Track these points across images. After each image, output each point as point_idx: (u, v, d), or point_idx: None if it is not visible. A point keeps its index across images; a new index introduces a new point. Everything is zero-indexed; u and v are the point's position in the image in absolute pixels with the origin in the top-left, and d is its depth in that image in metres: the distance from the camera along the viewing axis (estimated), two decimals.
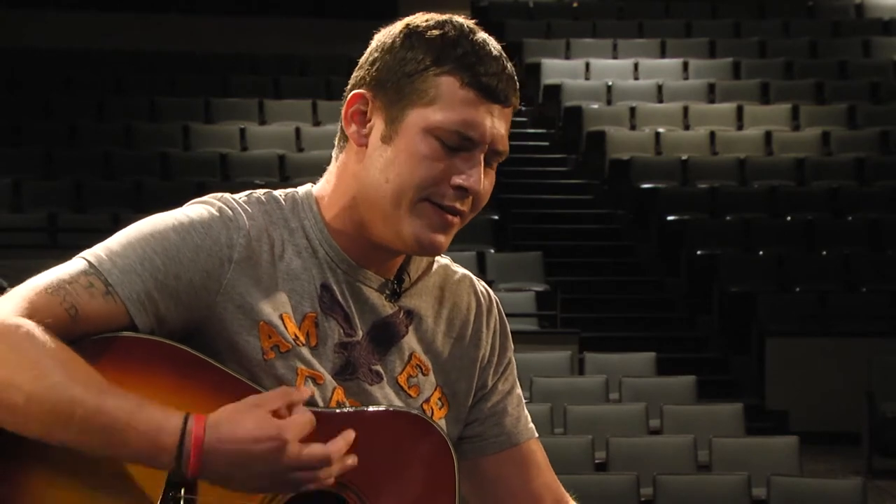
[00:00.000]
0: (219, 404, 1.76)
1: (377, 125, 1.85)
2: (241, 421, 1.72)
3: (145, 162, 14.41)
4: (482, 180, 1.84)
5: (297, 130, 15.25)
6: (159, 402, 1.74)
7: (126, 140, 14.89)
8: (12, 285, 1.79)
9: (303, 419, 1.74)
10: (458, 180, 1.82)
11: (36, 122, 14.95)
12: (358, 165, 1.87)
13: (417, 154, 1.82)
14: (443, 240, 1.86)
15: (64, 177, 13.89)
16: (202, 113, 15.61)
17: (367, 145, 1.86)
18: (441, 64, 1.82)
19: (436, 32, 1.84)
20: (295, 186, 1.97)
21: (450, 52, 1.83)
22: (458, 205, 1.84)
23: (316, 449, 1.74)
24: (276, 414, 1.73)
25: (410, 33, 1.86)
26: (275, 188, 1.96)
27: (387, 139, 1.84)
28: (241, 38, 17.01)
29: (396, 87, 1.84)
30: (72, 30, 16.79)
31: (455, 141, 1.82)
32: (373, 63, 1.87)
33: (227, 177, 14.11)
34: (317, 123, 15.52)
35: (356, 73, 1.90)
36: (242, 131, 15.21)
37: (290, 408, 1.75)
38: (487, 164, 1.86)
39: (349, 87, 1.90)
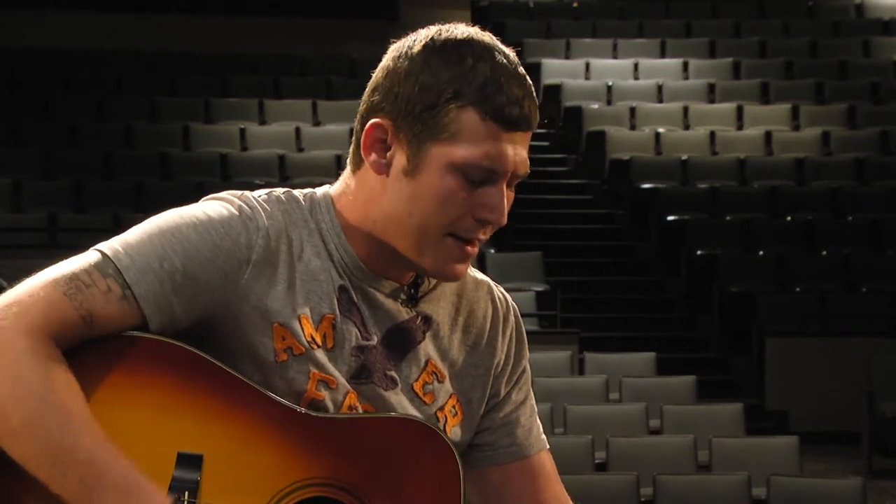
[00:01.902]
0: (227, 408, 1.77)
1: (398, 157, 1.82)
2: None
3: (145, 162, 14.40)
4: (506, 211, 1.84)
5: (297, 130, 15.23)
6: (167, 407, 1.76)
7: (126, 140, 14.88)
8: (12, 286, 1.75)
9: None
10: (483, 215, 1.82)
11: (36, 122, 14.93)
12: (379, 191, 1.84)
13: (442, 192, 1.80)
14: (463, 268, 1.87)
15: (64, 177, 13.88)
16: (202, 113, 15.59)
17: (388, 174, 1.83)
18: (462, 97, 1.78)
19: (455, 57, 1.80)
20: (298, 186, 1.96)
21: (470, 81, 1.78)
22: (480, 235, 1.85)
23: None
24: None
25: (429, 57, 1.80)
26: (275, 188, 1.93)
27: (409, 173, 1.81)
28: (241, 38, 16.98)
29: (417, 119, 1.80)
30: (72, 30, 16.77)
31: (479, 175, 1.80)
32: (390, 89, 1.82)
33: (227, 177, 14.09)
34: (317, 123, 15.51)
35: (373, 97, 1.84)
36: (242, 131, 15.20)
37: None
38: (508, 186, 1.85)
39: (365, 108, 1.85)
